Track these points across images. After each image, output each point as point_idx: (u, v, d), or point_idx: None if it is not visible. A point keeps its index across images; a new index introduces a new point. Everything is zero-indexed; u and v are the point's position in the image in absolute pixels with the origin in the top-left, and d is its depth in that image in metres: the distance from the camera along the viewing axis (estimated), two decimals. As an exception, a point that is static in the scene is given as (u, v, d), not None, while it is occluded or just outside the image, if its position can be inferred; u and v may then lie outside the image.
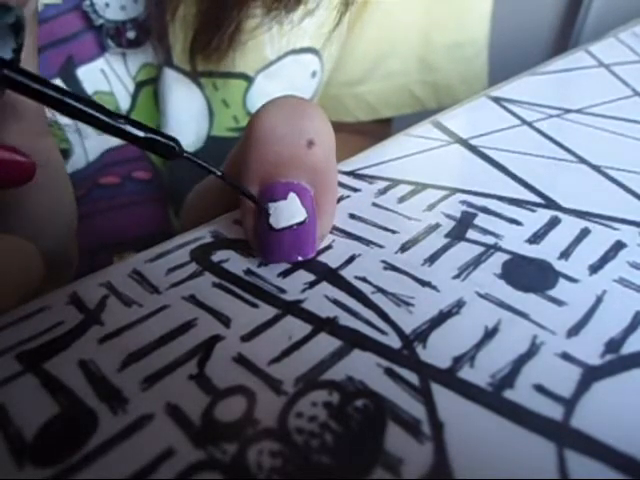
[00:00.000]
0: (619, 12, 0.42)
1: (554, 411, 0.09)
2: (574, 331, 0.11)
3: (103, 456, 0.09)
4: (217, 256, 0.14)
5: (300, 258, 0.13)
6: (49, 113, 0.23)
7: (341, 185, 0.18)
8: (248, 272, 0.14)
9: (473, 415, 0.09)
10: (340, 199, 0.17)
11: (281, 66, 0.26)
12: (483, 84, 0.35)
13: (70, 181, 0.18)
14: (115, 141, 0.25)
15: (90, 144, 0.25)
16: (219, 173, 0.13)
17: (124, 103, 0.25)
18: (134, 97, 0.25)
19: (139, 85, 0.25)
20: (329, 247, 0.14)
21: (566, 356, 0.10)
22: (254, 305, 0.12)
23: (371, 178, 0.18)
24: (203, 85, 0.25)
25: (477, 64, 0.35)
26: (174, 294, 0.13)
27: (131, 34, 0.24)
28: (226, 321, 0.12)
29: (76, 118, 0.11)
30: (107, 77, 0.24)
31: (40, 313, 0.13)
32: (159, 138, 0.12)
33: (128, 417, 0.10)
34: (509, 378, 0.10)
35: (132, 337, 0.12)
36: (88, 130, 0.24)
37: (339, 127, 0.34)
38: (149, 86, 0.26)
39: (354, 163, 0.19)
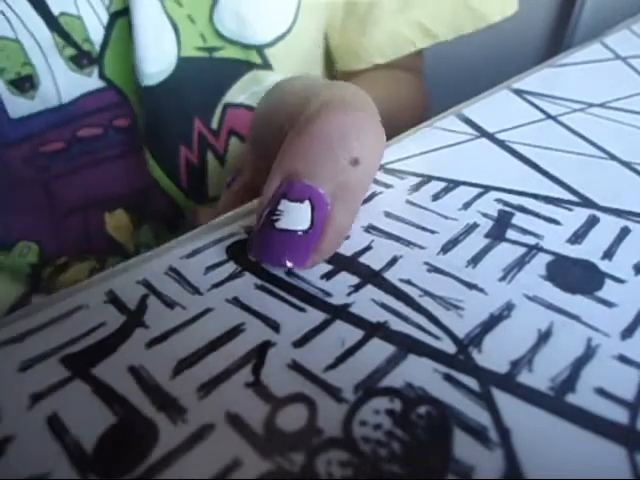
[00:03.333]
0: (612, 14, 0.42)
1: (620, 415, 0.09)
2: (628, 333, 0.11)
3: (168, 468, 0.09)
4: (254, 255, 0.14)
5: (289, 264, 0.12)
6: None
7: (371, 181, 0.17)
8: (290, 273, 0.13)
9: (538, 420, 0.09)
10: (373, 195, 0.17)
11: None
12: None
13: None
14: (91, 84, 0.24)
15: (62, 79, 0.23)
16: None
17: (96, 34, 0.23)
18: (108, 29, 0.23)
19: (114, 16, 0.23)
20: (369, 248, 0.14)
21: (623, 359, 0.10)
22: (301, 309, 0.12)
23: (401, 173, 0.18)
24: (165, 1, 0.23)
25: None
26: (216, 296, 0.13)
27: None
28: (275, 326, 0.12)
29: None
30: None
31: (78, 312, 0.12)
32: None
33: (189, 427, 0.10)
34: (570, 382, 0.10)
35: (180, 342, 0.11)
36: (54, 57, 0.22)
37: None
38: (125, 17, 0.23)
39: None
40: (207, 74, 0.25)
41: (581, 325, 0.11)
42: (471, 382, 0.10)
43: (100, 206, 0.27)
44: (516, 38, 0.58)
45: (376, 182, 0.17)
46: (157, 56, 0.24)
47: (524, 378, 0.10)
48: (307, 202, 0.12)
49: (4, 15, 0.21)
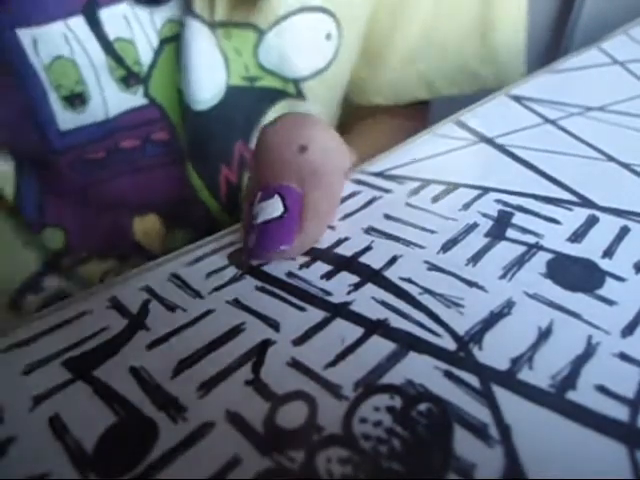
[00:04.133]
0: (610, 19, 0.42)
1: (620, 412, 0.09)
2: (628, 331, 0.11)
3: (168, 466, 0.09)
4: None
5: (282, 247, 0.13)
6: (56, 50, 0.23)
7: (371, 187, 0.18)
8: (290, 275, 0.13)
9: (539, 417, 0.09)
10: (373, 200, 0.17)
11: (291, 24, 0.26)
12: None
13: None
14: (136, 101, 0.26)
15: (110, 97, 0.25)
16: None
17: (146, 57, 0.25)
18: (157, 53, 0.25)
19: (163, 42, 0.25)
20: (369, 248, 0.14)
21: (624, 356, 0.10)
22: (301, 308, 0.12)
23: (401, 179, 0.18)
24: (218, 35, 0.26)
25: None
26: (217, 298, 0.13)
27: None
28: (275, 325, 0.12)
29: None
30: (129, 23, 0.24)
31: (81, 318, 0.13)
32: None
33: (189, 426, 0.10)
34: (570, 379, 0.10)
35: (180, 343, 0.12)
36: (105, 77, 0.24)
37: (376, 110, 0.33)
38: (172, 43, 0.25)
39: (381, 164, 0.19)
40: (248, 100, 0.28)
41: (582, 323, 0.11)
42: (472, 379, 0.10)
43: (132, 210, 0.29)
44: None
45: (376, 187, 0.17)
46: (209, 84, 0.26)
47: (525, 375, 0.10)
48: (276, 196, 0.14)
49: (65, 37, 0.23)
